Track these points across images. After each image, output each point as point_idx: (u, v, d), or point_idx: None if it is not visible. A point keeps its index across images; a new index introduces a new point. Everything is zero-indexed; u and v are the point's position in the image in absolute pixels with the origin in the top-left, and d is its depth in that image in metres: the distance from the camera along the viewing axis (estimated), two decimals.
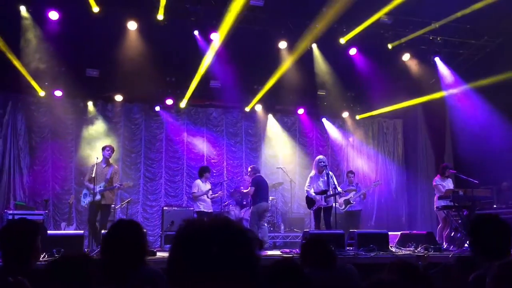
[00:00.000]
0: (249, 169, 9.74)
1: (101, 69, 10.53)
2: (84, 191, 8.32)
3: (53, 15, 9.11)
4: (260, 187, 9.28)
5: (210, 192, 9.81)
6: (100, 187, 8.05)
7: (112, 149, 8.46)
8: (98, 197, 8.00)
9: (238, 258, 1.18)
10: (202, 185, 9.73)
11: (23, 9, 9.15)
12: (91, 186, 8.03)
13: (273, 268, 2.83)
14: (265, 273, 2.81)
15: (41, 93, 10.58)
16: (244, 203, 11.04)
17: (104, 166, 8.33)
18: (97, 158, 8.37)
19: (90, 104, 11.46)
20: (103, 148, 8.45)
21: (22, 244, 2.75)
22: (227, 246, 1.18)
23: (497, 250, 2.69)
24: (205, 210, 9.59)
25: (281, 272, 2.76)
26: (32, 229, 2.85)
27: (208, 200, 9.76)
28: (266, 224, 9.58)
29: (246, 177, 10.83)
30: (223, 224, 1.23)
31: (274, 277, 2.76)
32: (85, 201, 8.19)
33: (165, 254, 7.10)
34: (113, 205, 10.16)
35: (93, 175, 7.98)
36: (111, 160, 8.60)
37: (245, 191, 9.91)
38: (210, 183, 10.27)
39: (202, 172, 9.89)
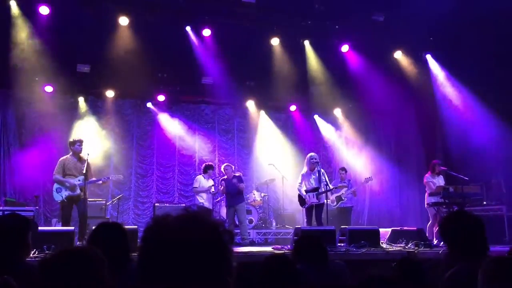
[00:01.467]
0: (229, 168, 9.62)
1: (92, 65, 10.45)
2: (56, 185, 7.79)
3: (44, 9, 9.05)
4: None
5: (212, 189, 9.87)
6: (79, 180, 7.72)
7: (82, 143, 8.01)
8: (78, 191, 7.70)
9: (208, 252, 1.13)
10: (204, 181, 9.79)
11: (13, 4, 9.07)
12: (71, 180, 7.69)
13: (265, 264, 2.84)
14: (257, 268, 2.82)
15: (32, 88, 10.48)
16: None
17: (75, 160, 7.91)
18: (88, 154, 8.03)
19: (81, 100, 11.38)
20: (73, 143, 7.94)
21: (13, 240, 2.69)
22: (194, 241, 1.13)
23: (473, 248, 2.53)
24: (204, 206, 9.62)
25: (274, 268, 2.77)
26: (23, 225, 2.80)
27: (209, 196, 9.80)
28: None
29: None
30: (189, 218, 1.17)
31: (267, 272, 2.77)
32: (62, 195, 7.71)
33: None
34: (104, 201, 10.12)
35: (84, 171, 7.80)
36: (81, 154, 8.08)
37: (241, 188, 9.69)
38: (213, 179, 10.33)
39: (206, 169, 9.98)
